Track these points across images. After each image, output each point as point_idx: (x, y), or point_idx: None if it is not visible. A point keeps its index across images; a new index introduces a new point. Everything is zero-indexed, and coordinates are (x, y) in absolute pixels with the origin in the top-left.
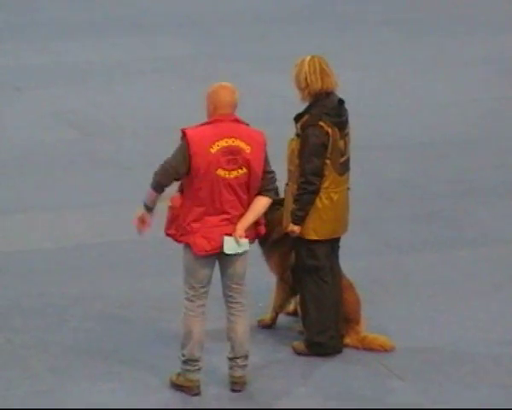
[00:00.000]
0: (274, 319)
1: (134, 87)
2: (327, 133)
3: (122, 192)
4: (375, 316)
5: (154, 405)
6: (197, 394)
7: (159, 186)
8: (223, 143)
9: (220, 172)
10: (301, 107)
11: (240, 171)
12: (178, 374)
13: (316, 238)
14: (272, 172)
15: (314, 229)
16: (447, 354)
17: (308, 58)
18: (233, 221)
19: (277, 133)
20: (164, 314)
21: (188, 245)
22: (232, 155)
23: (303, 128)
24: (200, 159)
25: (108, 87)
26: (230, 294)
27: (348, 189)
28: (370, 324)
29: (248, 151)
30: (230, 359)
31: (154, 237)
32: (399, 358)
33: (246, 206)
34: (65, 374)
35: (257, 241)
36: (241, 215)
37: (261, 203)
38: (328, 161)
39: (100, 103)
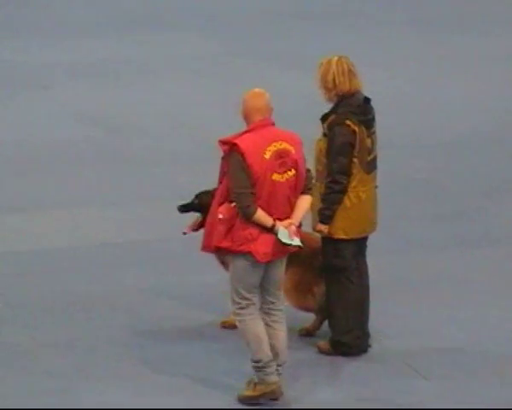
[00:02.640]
0: None
1: (159, 85)
2: (353, 132)
3: (146, 190)
4: (400, 315)
5: (177, 405)
6: (280, 395)
7: (252, 213)
8: (273, 148)
9: (275, 176)
10: (325, 106)
11: (289, 173)
12: (255, 385)
13: (345, 237)
14: (310, 170)
15: (343, 228)
16: (473, 354)
17: (335, 59)
18: None
19: (302, 133)
20: (189, 313)
21: (246, 254)
22: (282, 158)
23: (330, 127)
24: (258, 167)
25: (133, 85)
26: (273, 301)
27: (376, 187)
28: (394, 323)
29: (294, 152)
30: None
31: (178, 235)
32: (424, 357)
33: (293, 208)
34: (89, 373)
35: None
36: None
37: (307, 202)
38: (355, 160)
39: (125, 102)
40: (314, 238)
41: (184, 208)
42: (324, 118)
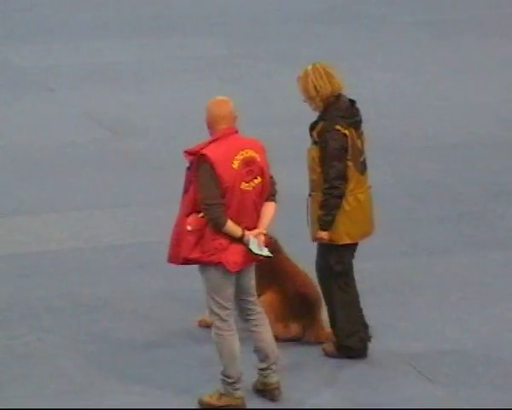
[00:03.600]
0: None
1: (165, 87)
2: (345, 135)
3: (153, 192)
4: (406, 317)
5: (182, 406)
6: (244, 408)
7: (222, 224)
8: (240, 157)
9: (244, 185)
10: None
11: (255, 181)
12: (221, 395)
13: (350, 242)
14: (272, 176)
15: (346, 232)
16: (478, 356)
17: (310, 67)
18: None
19: (308, 134)
20: (195, 315)
21: (217, 264)
22: (249, 166)
23: (320, 135)
24: (227, 177)
25: (140, 87)
26: (250, 307)
27: (369, 187)
28: (400, 325)
29: (259, 159)
30: (264, 369)
31: None
32: (430, 360)
33: (259, 215)
34: (95, 374)
35: None
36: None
37: (272, 209)
38: (349, 163)
39: (131, 103)
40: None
41: None
42: (313, 126)
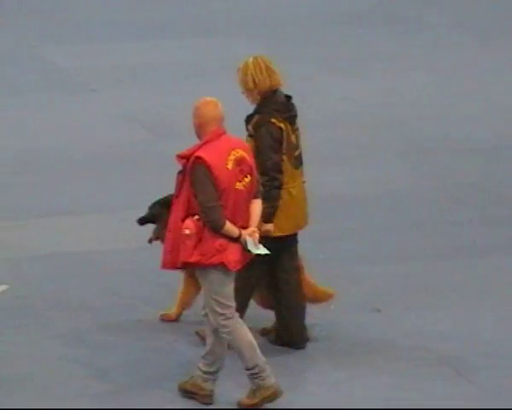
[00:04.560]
0: (178, 316)
1: (206, 88)
2: (280, 129)
3: None
4: (445, 319)
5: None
6: (281, 393)
7: (221, 225)
8: (232, 157)
9: (238, 185)
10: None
11: (246, 179)
12: (254, 391)
13: (280, 234)
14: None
15: (278, 226)
16: None
17: (251, 59)
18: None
19: (346, 135)
20: None
21: (217, 265)
22: (240, 165)
23: (255, 127)
24: (223, 178)
25: (181, 88)
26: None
27: (304, 182)
28: (441, 326)
29: (248, 159)
30: (211, 372)
31: None
32: (470, 361)
33: (249, 212)
34: (136, 374)
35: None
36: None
37: (259, 206)
38: (284, 157)
39: (172, 104)
40: None
41: (142, 221)
42: (248, 119)
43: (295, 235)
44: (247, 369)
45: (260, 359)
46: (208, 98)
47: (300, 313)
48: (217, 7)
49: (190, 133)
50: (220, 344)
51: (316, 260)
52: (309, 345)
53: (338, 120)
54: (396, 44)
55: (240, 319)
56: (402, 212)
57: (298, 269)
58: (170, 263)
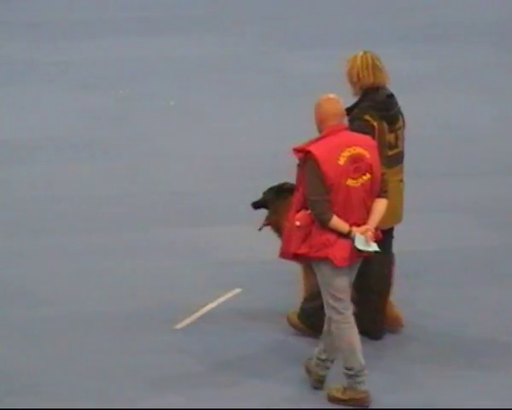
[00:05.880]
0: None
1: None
2: (372, 127)
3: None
4: None
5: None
6: (369, 404)
7: (327, 219)
8: (347, 153)
9: (350, 182)
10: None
11: (364, 177)
12: (345, 389)
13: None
14: (384, 173)
15: None
16: None
17: (361, 53)
18: None
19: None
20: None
21: (325, 259)
22: (356, 162)
23: (350, 121)
24: (332, 173)
25: (418, 94)
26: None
27: (401, 181)
28: None
29: (369, 156)
30: (322, 360)
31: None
32: None
33: (369, 211)
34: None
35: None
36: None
37: (383, 205)
38: None
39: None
40: None
41: (255, 205)
42: (347, 111)
43: (391, 229)
44: (344, 367)
45: (358, 362)
46: (331, 95)
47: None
48: (454, 13)
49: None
50: (331, 335)
51: None
52: None
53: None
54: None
55: (351, 318)
56: None
57: (389, 263)
58: (285, 253)
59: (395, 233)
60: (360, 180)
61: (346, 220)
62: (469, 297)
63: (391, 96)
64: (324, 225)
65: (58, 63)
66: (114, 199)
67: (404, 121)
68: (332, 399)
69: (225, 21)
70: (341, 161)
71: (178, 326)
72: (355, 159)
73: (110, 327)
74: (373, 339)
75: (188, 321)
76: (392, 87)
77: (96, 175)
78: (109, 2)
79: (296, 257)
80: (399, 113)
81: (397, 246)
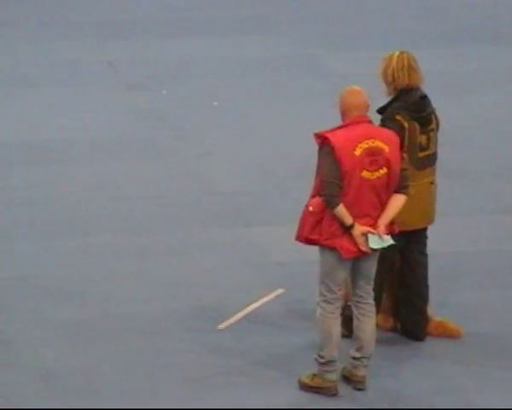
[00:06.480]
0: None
1: (484, 97)
2: (402, 127)
3: (469, 202)
4: None
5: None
6: (335, 394)
7: (335, 203)
8: (364, 145)
9: (365, 173)
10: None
11: (381, 171)
12: (314, 375)
13: (402, 229)
14: (406, 169)
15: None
16: None
17: (397, 53)
18: (375, 222)
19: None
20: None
21: (332, 249)
22: (373, 155)
23: (382, 120)
24: (347, 162)
25: (460, 97)
26: (362, 294)
27: (432, 183)
28: None
29: (387, 151)
30: (356, 358)
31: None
32: None
33: (385, 206)
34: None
35: None
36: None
37: (400, 201)
38: (405, 155)
39: (449, 113)
40: None
41: None
42: (380, 110)
43: (423, 230)
44: (317, 353)
45: (331, 353)
46: (354, 87)
47: (420, 306)
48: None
49: (469, 142)
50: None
51: None
52: None
53: None
54: None
55: (337, 311)
56: None
57: (422, 264)
58: (299, 236)
59: (433, 234)
60: (376, 173)
61: (360, 212)
62: (511, 300)
63: (424, 97)
64: (331, 207)
65: (102, 63)
66: (162, 199)
67: (438, 123)
68: (301, 384)
69: (269, 23)
70: (357, 152)
71: (222, 326)
72: (372, 152)
73: (154, 327)
74: (417, 340)
75: (231, 321)
76: (442, 88)
77: (145, 175)
78: (156, 2)
79: (308, 241)
80: (433, 114)
81: (439, 247)
